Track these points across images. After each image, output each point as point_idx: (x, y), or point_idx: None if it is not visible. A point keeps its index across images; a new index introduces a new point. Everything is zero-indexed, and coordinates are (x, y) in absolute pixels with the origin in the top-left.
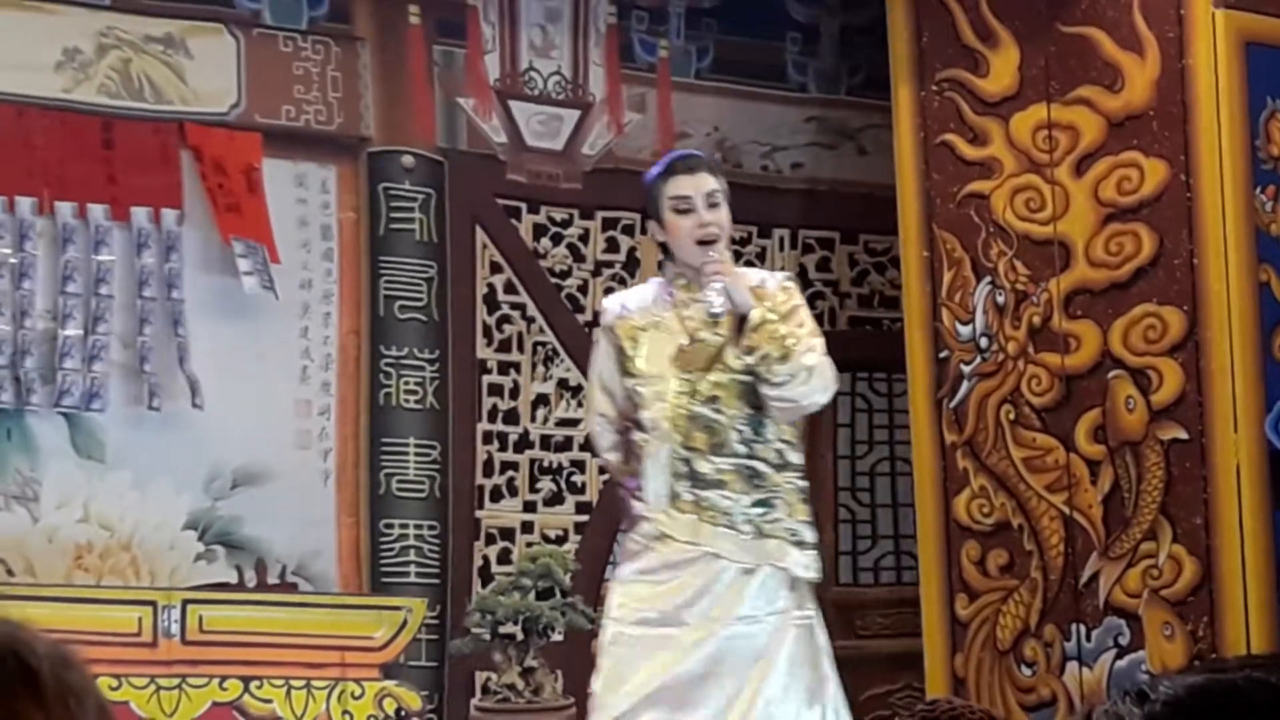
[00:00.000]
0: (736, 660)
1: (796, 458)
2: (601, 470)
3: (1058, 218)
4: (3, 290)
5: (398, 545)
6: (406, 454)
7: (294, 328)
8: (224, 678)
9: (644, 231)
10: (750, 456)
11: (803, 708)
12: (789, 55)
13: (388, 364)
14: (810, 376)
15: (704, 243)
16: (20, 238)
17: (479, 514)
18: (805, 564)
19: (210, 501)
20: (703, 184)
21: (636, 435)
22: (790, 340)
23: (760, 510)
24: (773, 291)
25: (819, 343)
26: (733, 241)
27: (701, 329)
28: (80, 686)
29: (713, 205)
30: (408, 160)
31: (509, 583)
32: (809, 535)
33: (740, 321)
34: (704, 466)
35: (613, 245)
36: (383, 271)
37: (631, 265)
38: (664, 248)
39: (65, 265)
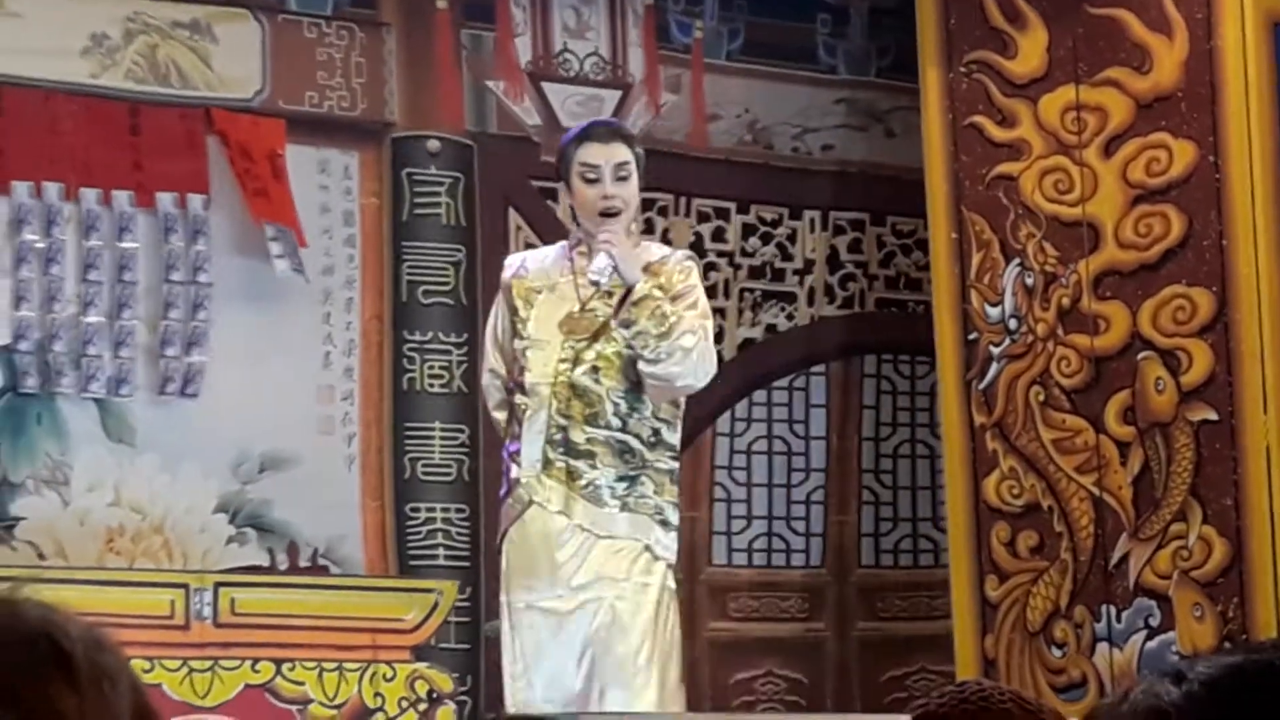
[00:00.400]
0: (593, 631)
1: (672, 437)
2: None
3: (1086, 199)
4: (30, 276)
5: (425, 529)
6: (432, 438)
7: (317, 313)
8: (256, 660)
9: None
10: (624, 430)
11: (646, 686)
12: (820, 37)
13: (411, 349)
14: (686, 358)
15: (606, 214)
16: (48, 223)
17: None
18: (666, 544)
19: (239, 485)
20: (614, 154)
21: (518, 398)
22: (672, 319)
23: (626, 485)
24: (670, 269)
25: (706, 325)
26: (763, 222)
27: (594, 298)
28: (114, 669)
29: (620, 178)
30: (433, 144)
31: None
32: (673, 516)
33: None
34: (577, 435)
35: (648, 226)
36: (406, 256)
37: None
38: (573, 211)
39: (89, 252)
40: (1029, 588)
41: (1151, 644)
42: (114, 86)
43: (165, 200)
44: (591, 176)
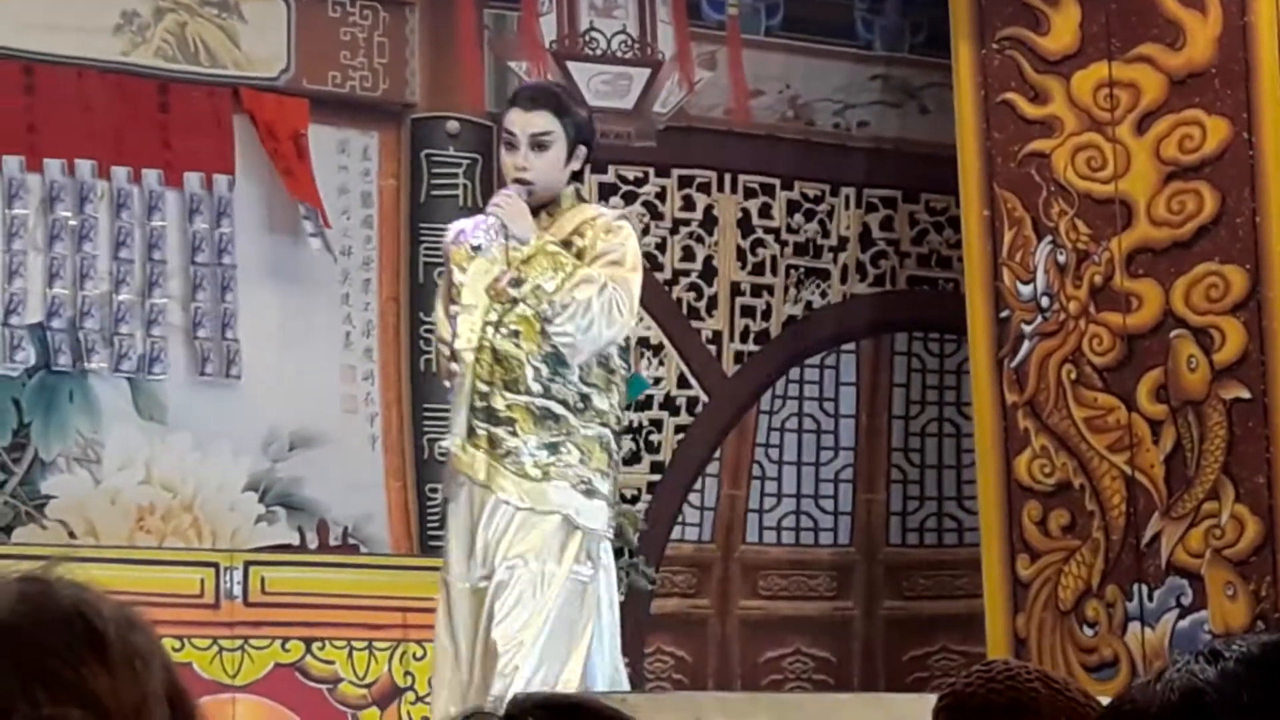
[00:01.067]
0: (504, 605)
1: (603, 402)
2: (677, 430)
3: (1119, 176)
4: (63, 253)
5: None
6: (449, 419)
7: (336, 294)
8: (286, 639)
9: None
10: (546, 396)
11: (554, 667)
12: (857, 12)
13: (428, 330)
14: (582, 312)
15: (515, 181)
16: (81, 200)
17: None
18: (592, 514)
19: (269, 463)
20: (532, 123)
21: (453, 365)
22: (566, 271)
23: (548, 453)
24: (596, 229)
25: (620, 278)
26: (806, 199)
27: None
28: (146, 648)
29: (537, 146)
30: (452, 126)
31: None
32: (602, 485)
33: None
34: (498, 402)
35: (689, 203)
36: (423, 238)
37: (709, 222)
38: None
39: (119, 230)
40: (1060, 567)
41: (1183, 623)
42: (144, 64)
43: (192, 180)
44: (511, 143)
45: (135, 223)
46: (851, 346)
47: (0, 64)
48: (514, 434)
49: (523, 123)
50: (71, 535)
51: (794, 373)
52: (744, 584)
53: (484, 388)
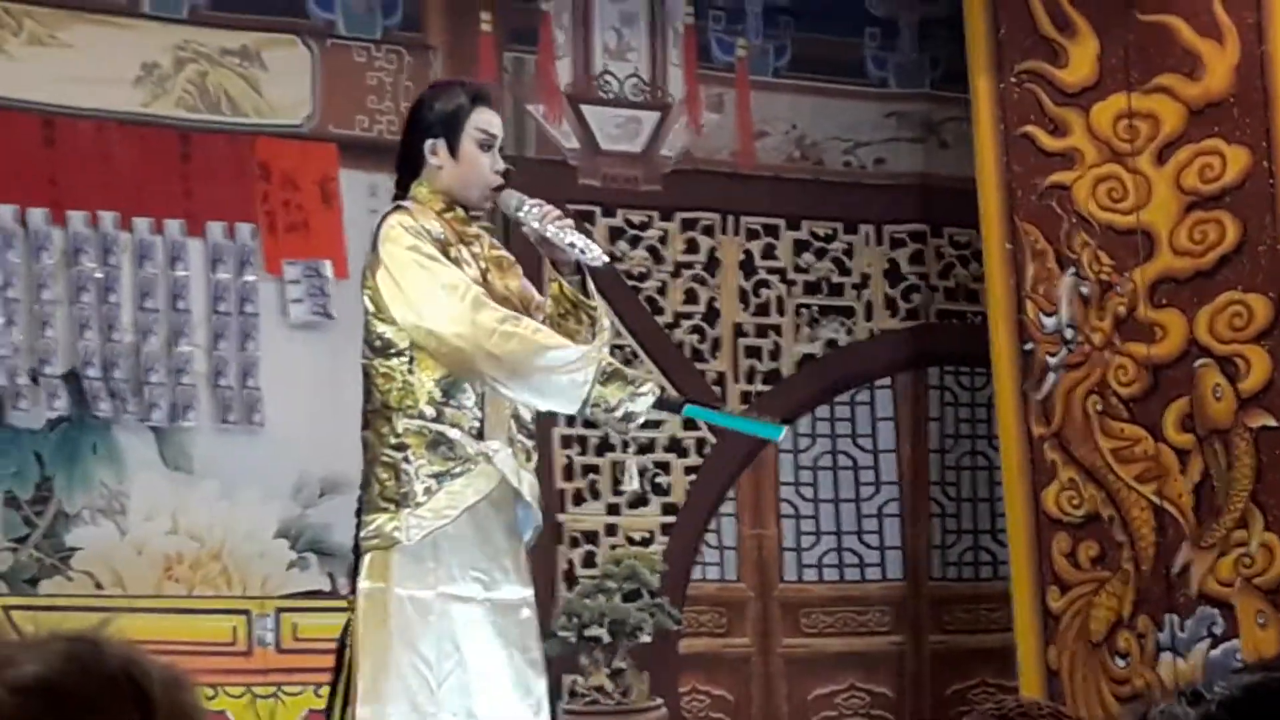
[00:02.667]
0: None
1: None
2: (687, 471)
3: (1140, 207)
4: (90, 304)
5: None
6: None
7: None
8: (319, 685)
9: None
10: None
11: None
12: (868, 50)
13: None
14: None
15: (496, 187)
16: (104, 251)
17: (560, 518)
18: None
19: (300, 509)
20: (500, 124)
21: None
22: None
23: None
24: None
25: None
26: (816, 238)
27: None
28: (192, 708)
29: (500, 148)
30: None
31: (593, 586)
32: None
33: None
34: (526, 413)
35: (692, 246)
36: None
37: (712, 265)
38: (408, 170)
39: (143, 281)
40: (1091, 598)
41: (1215, 652)
42: (165, 115)
43: (215, 230)
44: (489, 144)
45: (159, 273)
46: (886, 381)
47: (21, 117)
48: (530, 438)
49: (498, 124)
50: (98, 586)
51: (822, 410)
52: (787, 622)
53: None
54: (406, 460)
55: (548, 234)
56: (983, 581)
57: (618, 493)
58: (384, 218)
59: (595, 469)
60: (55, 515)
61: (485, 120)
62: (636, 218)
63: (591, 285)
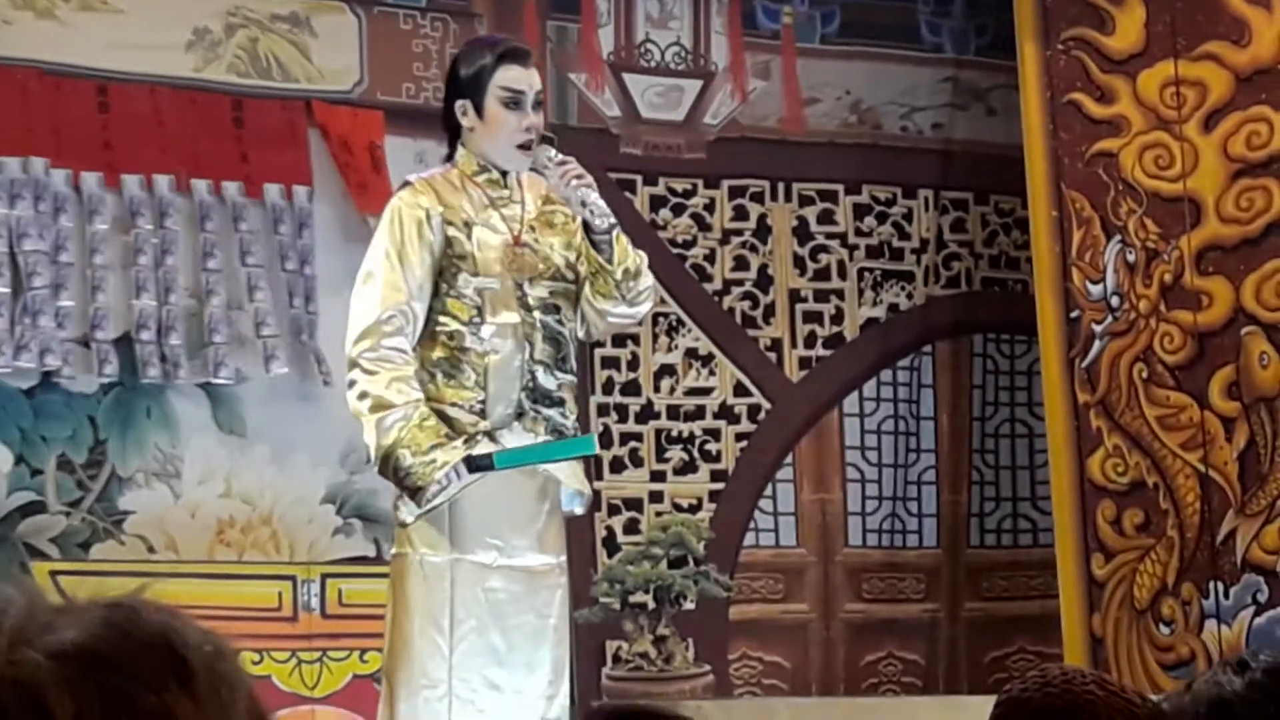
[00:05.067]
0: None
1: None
2: (738, 438)
3: (1187, 174)
4: (146, 267)
5: None
6: None
7: None
8: (364, 650)
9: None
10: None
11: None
12: (921, 16)
13: None
14: (649, 287)
15: (522, 145)
16: (160, 215)
17: (598, 485)
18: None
19: (347, 475)
20: (534, 80)
21: None
22: (635, 253)
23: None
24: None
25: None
26: (876, 202)
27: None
28: (232, 676)
29: (537, 104)
30: None
31: (638, 552)
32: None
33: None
34: (549, 382)
35: (740, 213)
36: None
37: (762, 232)
38: (454, 133)
39: (205, 242)
40: (1135, 565)
41: (1260, 620)
42: (217, 80)
43: (272, 191)
44: (513, 102)
45: (218, 235)
46: (930, 349)
47: (75, 83)
48: (565, 416)
49: (529, 80)
50: (151, 550)
51: (885, 374)
52: (849, 587)
53: (535, 368)
54: None
55: (566, 193)
56: (1022, 549)
57: (663, 459)
58: (396, 192)
59: (637, 436)
60: (109, 479)
61: (510, 77)
62: (679, 185)
63: (621, 248)
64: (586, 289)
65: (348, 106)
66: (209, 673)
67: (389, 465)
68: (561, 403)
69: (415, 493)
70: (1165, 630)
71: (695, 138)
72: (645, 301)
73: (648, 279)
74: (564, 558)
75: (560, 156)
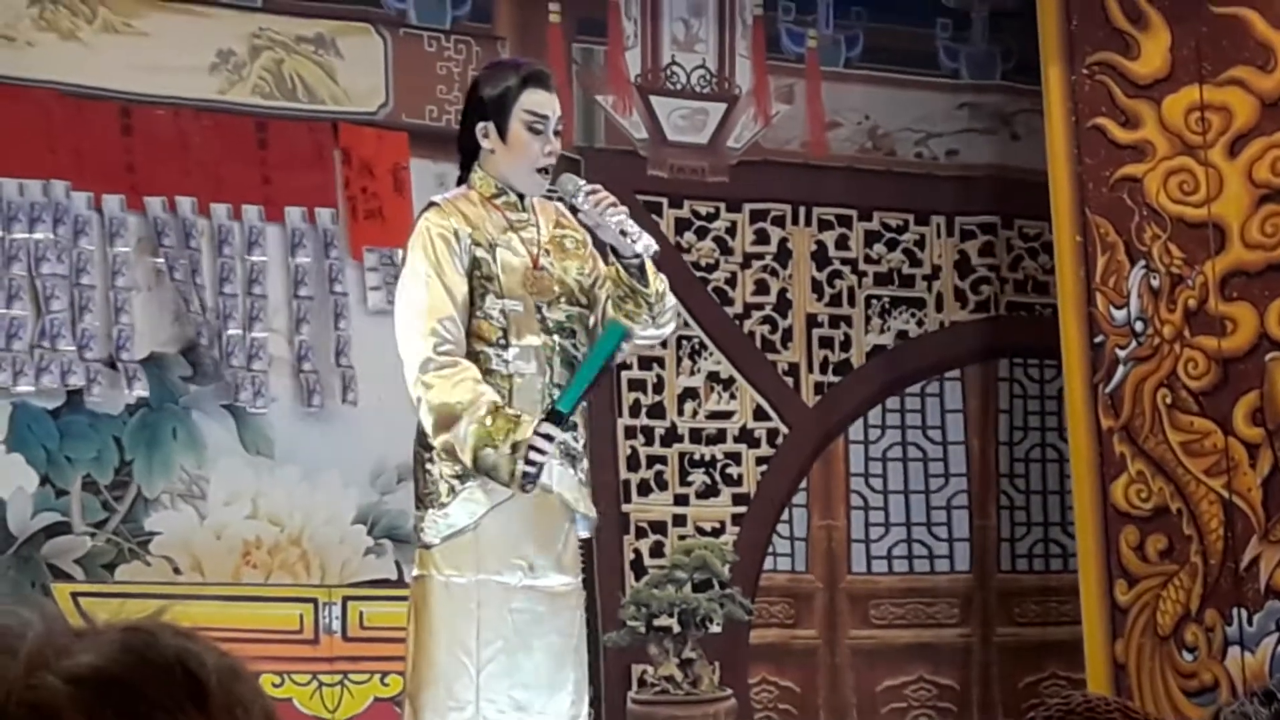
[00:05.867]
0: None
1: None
2: (759, 462)
3: (1212, 200)
4: (169, 289)
5: None
6: None
7: None
8: (385, 673)
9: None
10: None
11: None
12: (940, 41)
13: None
14: (672, 310)
15: (543, 169)
16: (185, 236)
17: (626, 508)
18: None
19: (378, 496)
20: (556, 106)
21: None
22: (658, 276)
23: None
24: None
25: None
26: (887, 229)
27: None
28: (249, 699)
29: (557, 132)
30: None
31: (663, 576)
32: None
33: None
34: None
35: (762, 237)
36: None
37: (783, 256)
38: (469, 154)
39: (222, 266)
40: (1159, 592)
41: None
42: (241, 102)
43: (294, 214)
44: (538, 127)
45: (237, 258)
46: (956, 373)
47: (98, 105)
48: (576, 439)
49: (552, 105)
50: (176, 571)
51: (892, 401)
52: (855, 613)
53: (554, 391)
54: (431, 461)
55: (602, 221)
56: (1052, 574)
57: (686, 483)
58: (420, 214)
59: (662, 459)
60: (134, 500)
61: (535, 101)
62: (703, 209)
63: (651, 271)
64: (611, 311)
65: (372, 128)
66: (225, 695)
67: (483, 469)
68: (575, 425)
69: (523, 482)
70: (1188, 657)
71: (719, 161)
72: (670, 322)
73: (670, 299)
74: (581, 579)
75: (589, 185)
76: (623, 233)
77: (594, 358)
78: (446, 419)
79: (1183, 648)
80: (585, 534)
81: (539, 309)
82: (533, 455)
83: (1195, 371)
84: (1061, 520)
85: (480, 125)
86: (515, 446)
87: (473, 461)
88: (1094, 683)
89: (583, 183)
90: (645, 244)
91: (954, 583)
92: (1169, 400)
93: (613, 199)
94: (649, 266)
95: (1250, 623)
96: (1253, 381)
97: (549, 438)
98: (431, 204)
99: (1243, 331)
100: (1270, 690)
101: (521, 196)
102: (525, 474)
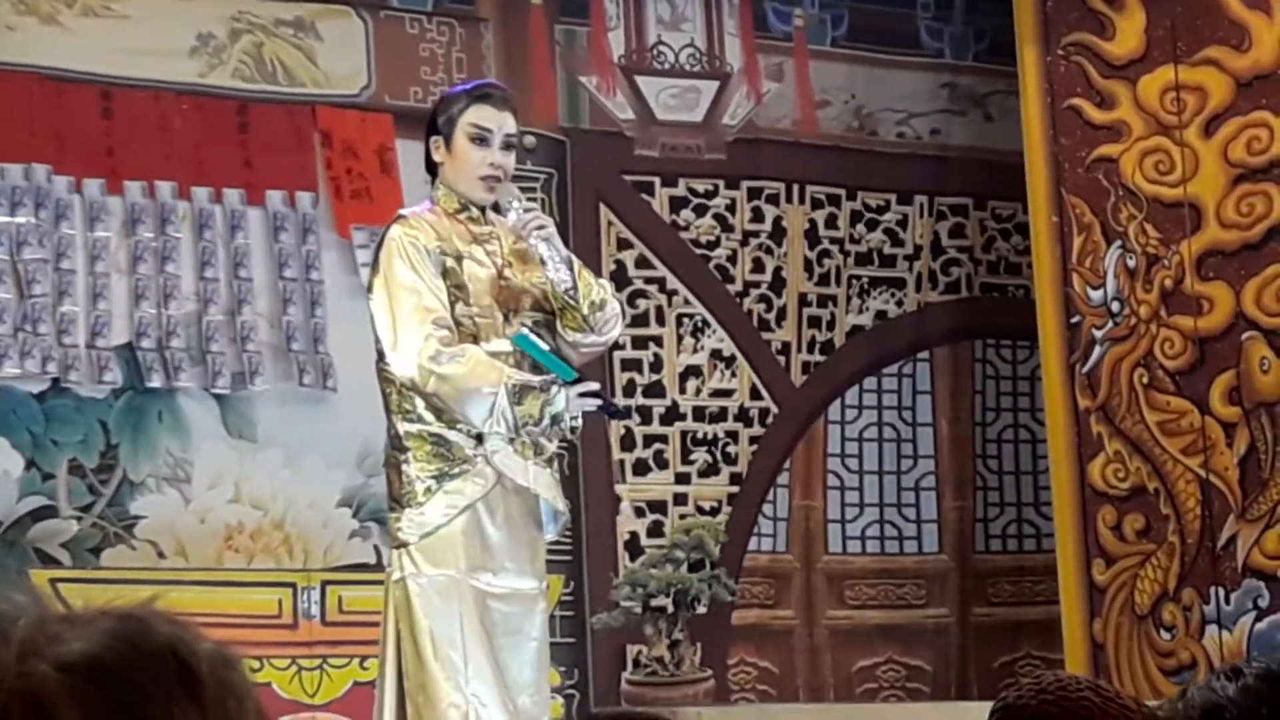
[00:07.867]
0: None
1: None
2: (751, 441)
3: (1187, 179)
4: (148, 274)
5: None
6: None
7: None
8: (364, 658)
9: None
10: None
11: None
12: (922, 21)
13: None
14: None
15: (485, 179)
16: (162, 221)
17: (618, 488)
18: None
19: (364, 478)
20: (505, 122)
21: None
22: (598, 285)
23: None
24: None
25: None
26: (869, 209)
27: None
28: (240, 687)
29: (506, 147)
30: (529, 140)
31: (661, 555)
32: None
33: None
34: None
35: (758, 215)
36: None
37: (778, 234)
38: (432, 167)
39: (203, 250)
40: (1136, 571)
41: (1261, 625)
42: (222, 85)
43: (275, 198)
44: (480, 139)
45: (219, 241)
46: (926, 355)
47: (79, 88)
48: (552, 441)
49: (499, 120)
50: (160, 555)
51: (869, 382)
52: (831, 594)
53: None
54: (407, 461)
55: (524, 238)
56: (1026, 554)
57: (688, 461)
58: (386, 229)
59: (662, 438)
60: (120, 483)
61: (480, 115)
62: (701, 186)
63: (587, 283)
64: (558, 323)
65: (355, 111)
66: (217, 684)
67: (529, 440)
68: (560, 428)
69: (554, 424)
70: (1166, 636)
71: (714, 138)
72: (614, 328)
73: (613, 306)
74: (546, 583)
75: (526, 204)
76: (540, 260)
77: (552, 362)
78: (474, 402)
79: (1160, 627)
80: (552, 535)
81: (506, 316)
82: (585, 408)
83: (1172, 351)
84: (1035, 500)
85: (433, 139)
86: (555, 419)
87: (514, 433)
88: (1072, 662)
89: (519, 198)
90: (558, 278)
91: (923, 564)
92: (1146, 380)
93: (541, 223)
94: (581, 279)
95: (1228, 601)
96: (1229, 361)
97: (592, 394)
98: (399, 217)
99: (1219, 311)
100: (1237, 666)
101: (484, 210)
102: (574, 429)
